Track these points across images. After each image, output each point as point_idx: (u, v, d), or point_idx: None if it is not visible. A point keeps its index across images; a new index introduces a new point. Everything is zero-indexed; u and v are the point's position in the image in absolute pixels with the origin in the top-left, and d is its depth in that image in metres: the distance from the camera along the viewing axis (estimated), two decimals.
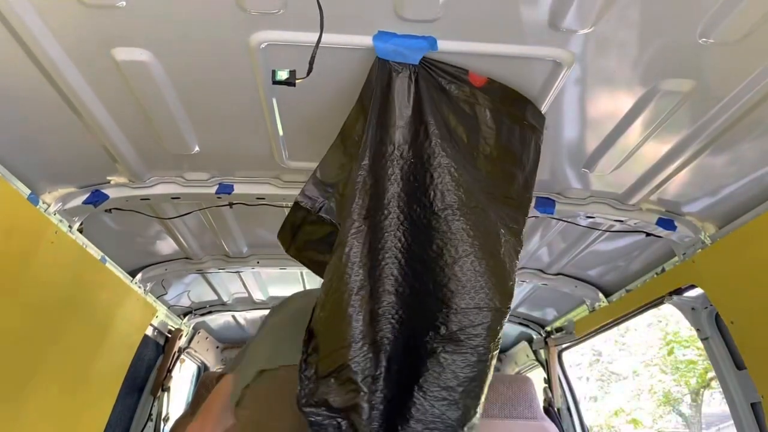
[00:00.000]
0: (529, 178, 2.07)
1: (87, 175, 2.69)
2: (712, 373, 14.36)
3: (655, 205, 2.78)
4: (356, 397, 1.74)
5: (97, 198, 2.74)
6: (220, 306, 5.07)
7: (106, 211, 2.91)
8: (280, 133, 2.34)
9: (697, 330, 3.17)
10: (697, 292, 3.04)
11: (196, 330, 5.28)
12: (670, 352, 16.79)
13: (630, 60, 1.85)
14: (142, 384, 4.63)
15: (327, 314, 1.82)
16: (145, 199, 2.80)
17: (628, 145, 2.30)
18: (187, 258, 3.90)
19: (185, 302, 4.75)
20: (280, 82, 1.74)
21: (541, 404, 4.68)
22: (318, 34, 1.65)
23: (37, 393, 2.83)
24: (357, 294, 1.80)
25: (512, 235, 1.96)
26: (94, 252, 3.15)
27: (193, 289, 4.56)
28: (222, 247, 3.77)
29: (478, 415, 1.85)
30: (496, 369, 4.45)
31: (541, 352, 5.09)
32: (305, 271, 4.28)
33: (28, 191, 2.53)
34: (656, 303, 3.30)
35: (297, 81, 1.73)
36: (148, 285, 3.98)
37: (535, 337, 5.21)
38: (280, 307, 2.59)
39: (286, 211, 3.04)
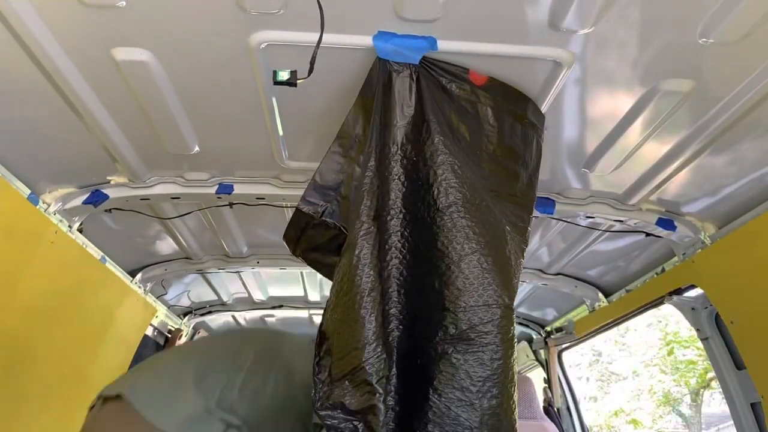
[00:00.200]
0: (532, 175, 2.07)
1: (87, 175, 2.69)
2: (712, 374, 14.39)
3: (655, 205, 2.78)
4: (372, 398, 1.72)
5: (97, 198, 2.73)
6: (220, 306, 5.07)
7: (106, 211, 2.90)
8: (280, 133, 2.34)
9: (697, 330, 3.17)
10: (697, 292, 3.04)
11: (196, 330, 5.27)
12: (670, 353, 16.80)
13: (630, 60, 1.85)
14: None
15: (339, 316, 1.80)
16: (145, 199, 2.80)
17: (628, 145, 2.30)
18: (187, 258, 3.90)
19: (185, 302, 4.75)
20: (281, 83, 1.74)
21: (541, 404, 4.69)
22: (318, 35, 1.65)
23: (36, 393, 2.83)
24: (369, 295, 1.78)
25: (518, 232, 1.95)
26: (94, 252, 3.15)
27: (193, 289, 4.56)
28: (222, 247, 3.76)
29: (504, 419, 1.80)
30: None
31: (541, 352, 5.09)
32: (305, 271, 4.29)
33: (28, 191, 2.53)
34: (656, 303, 3.31)
35: (298, 81, 1.73)
36: (148, 285, 3.98)
37: (535, 337, 5.21)
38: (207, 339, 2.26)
39: (287, 211, 3.06)
